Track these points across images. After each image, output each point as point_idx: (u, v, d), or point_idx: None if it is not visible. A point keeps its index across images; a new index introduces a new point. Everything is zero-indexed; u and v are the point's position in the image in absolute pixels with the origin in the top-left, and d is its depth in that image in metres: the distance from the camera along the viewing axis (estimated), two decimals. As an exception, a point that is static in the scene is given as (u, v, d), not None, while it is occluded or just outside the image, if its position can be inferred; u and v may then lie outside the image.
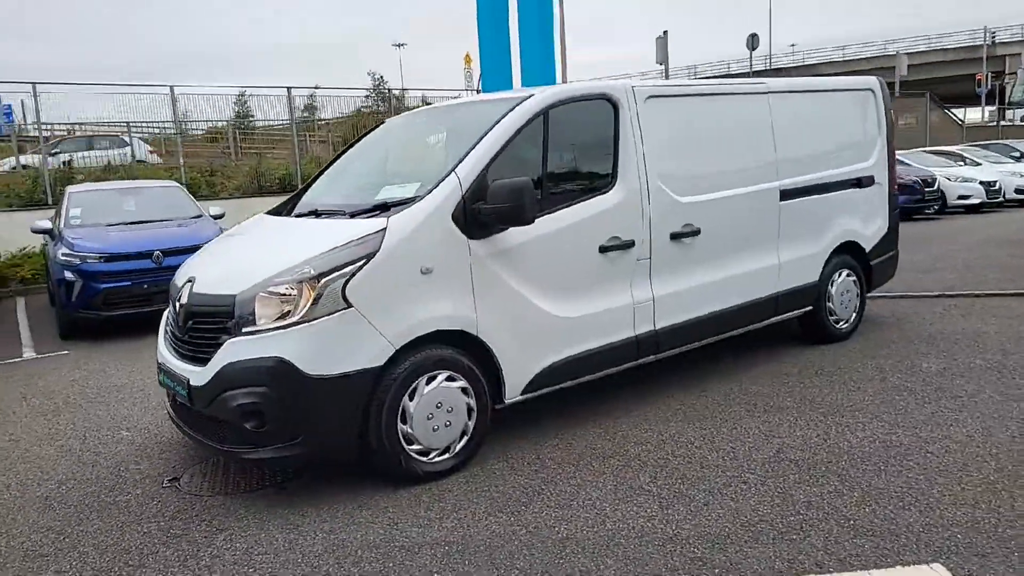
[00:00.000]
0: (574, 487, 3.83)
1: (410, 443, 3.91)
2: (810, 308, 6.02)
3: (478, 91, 15.28)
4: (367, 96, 22.66)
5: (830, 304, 6.13)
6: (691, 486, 3.76)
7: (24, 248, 12.96)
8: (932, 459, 3.89)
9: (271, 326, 3.67)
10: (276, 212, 5.05)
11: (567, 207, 4.46)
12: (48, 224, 9.50)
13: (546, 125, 4.38)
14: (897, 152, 7.19)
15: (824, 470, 3.84)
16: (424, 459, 3.96)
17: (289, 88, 17.09)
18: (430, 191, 4.02)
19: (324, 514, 3.70)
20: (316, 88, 20.54)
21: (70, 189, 10.42)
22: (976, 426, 4.29)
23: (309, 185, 5.31)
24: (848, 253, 6.27)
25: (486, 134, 4.20)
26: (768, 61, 52.96)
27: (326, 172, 5.41)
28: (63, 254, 8.53)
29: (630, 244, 4.69)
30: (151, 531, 3.64)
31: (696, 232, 5.04)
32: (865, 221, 6.37)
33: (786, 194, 5.65)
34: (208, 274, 4.20)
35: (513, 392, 4.32)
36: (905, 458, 3.92)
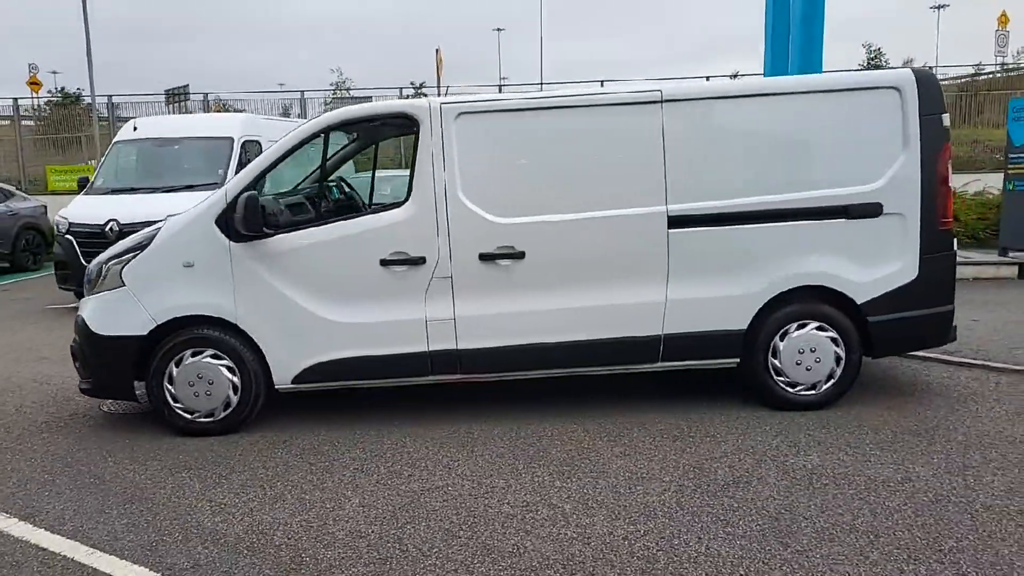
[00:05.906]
0: (242, 469, 4.35)
1: (176, 401, 4.86)
2: (736, 361, 4.97)
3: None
4: None
5: (775, 361, 4.94)
6: (307, 498, 3.97)
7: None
8: (544, 528, 3.38)
9: (89, 293, 5.00)
10: None
11: (346, 220, 4.80)
12: None
13: (326, 144, 4.76)
14: None
15: (435, 527, 3.60)
16: (188, 416, 4.87)
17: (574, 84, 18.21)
18: (207, 199, 4.84)
19: (112, 445, 4.84)
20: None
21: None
22: (644, 527, 3.45)
23: None
24: (821, 301, 4.93)
25: (262, 152, 4.81)
26: None
27: None
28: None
29: (419, 261, 4.75)
30: (45, 423, 5.31)
31: (519, 255, 4.77)
32: (858, 263, 4.88)
33: (681, 221, 4.79)
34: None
35: (283, 380, 4.89)
36: (523, 529, 3.48)
